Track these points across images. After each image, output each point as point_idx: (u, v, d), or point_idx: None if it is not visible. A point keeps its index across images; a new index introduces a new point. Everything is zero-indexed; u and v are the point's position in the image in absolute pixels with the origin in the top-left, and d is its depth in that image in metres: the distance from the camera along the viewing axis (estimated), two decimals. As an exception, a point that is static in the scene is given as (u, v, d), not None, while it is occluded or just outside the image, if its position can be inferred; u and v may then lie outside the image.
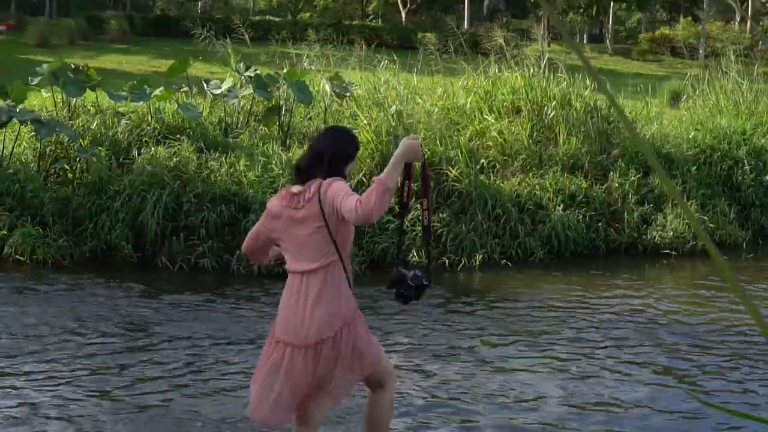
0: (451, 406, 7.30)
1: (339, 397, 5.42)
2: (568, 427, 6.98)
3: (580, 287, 11.59)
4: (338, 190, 5.07)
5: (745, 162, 15.99)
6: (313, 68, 16.15)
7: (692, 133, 16.41)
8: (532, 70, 16.08)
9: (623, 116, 1.28)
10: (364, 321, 5.38)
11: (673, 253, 13.57)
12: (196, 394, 7.41)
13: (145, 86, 13.89)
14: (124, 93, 14.02)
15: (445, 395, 7.55)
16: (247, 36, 16.16)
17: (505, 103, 15.40)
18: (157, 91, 13.80)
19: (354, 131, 6.45)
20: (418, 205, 5.73)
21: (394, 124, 13.84)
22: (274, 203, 5.38)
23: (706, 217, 14.40)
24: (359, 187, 10.75)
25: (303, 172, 5.29)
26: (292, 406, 5.26)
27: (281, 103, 14.31)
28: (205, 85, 14.85)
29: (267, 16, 54.60)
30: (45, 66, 13.77)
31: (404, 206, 5.57)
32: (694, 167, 15.39)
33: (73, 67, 14.25)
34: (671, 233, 13.77)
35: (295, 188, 5.26)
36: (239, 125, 14.27)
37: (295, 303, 5.19)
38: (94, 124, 13.54)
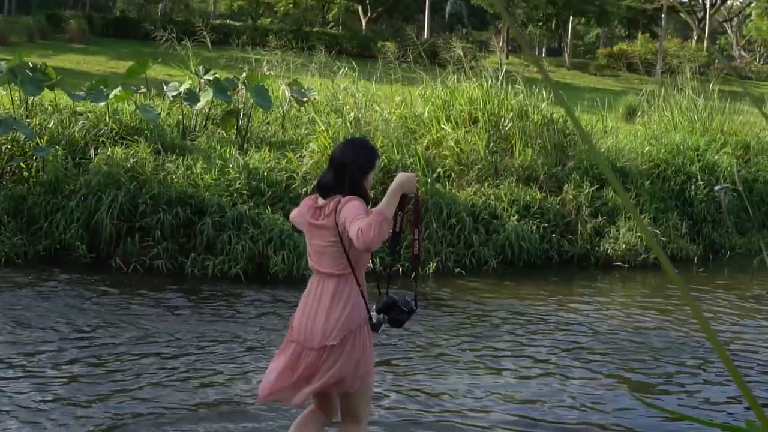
0: (398, 412, 7.38)
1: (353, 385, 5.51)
2: (513, 429, 7.08)
3: (532, 297, 11.71)
4: (349, 212, 5.22)
5: (698, 177, 16.22)
6: (272, 73, 16.19)
7: (647, 148, 16.63)
8: (489, 82, 16.21)
9: (580, 128, 1.33)
10: (371, 335, 5.50)
11: (625, 265, 13.74)
12: (140, 395, 7.41)
13: (103, 87, 13.86)
14: (82, 93, 13.98)
15: (395, 397, 7.63)
16: (208, 39, 16.16)
17: (462, 114, 15.51)
18: (115, 92, 13.77)
19: (370, 142, 6.47)
20: (410, 235, 5.84)
21: (351, 130, 13.93)
22: (296, 211, 5.64)
23: (658, 231, 14.58)
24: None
25: (325, 189, 5.47)
26: (304, 390, 5.45)
27: (240, 107, 14.33)
28: (164, 87, 14.83)
29: (227, 21, 54.55)
30: (3, 64, 13.69)
31: (397, 235, 5.65)
32: (648, 181, 15.60)
33: (31, 65, 14.19)
34: (623, 246, 13.93)
35: (321, 202, 5.47)
36: (197, 128, 14.28)
37: (311, 303, 5.41)
38: (51, 123, 13.49)
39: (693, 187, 16.05)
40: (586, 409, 7.62)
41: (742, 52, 63.66)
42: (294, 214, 5.66)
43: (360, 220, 5.12)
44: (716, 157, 17.22)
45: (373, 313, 5.48)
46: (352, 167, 5.45)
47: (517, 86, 16.30)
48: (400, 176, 5.39)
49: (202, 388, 7.60)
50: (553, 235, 13.75)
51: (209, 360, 8.35)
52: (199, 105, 14.12)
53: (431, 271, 12.29)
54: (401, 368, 8.49)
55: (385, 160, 13.17)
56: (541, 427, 7.21)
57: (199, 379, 7.82)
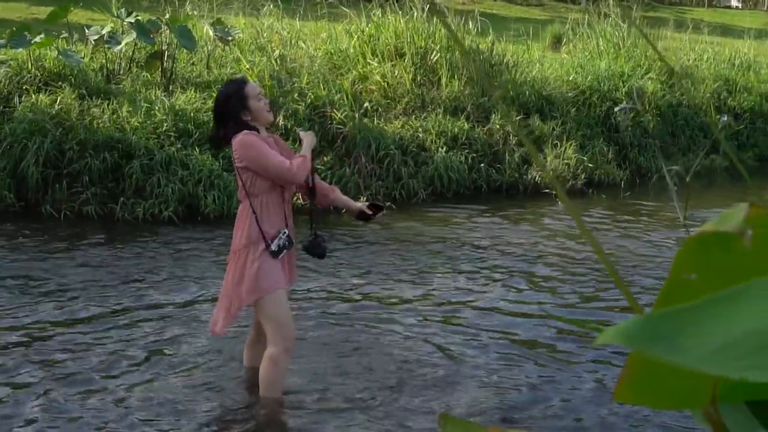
0: (328, 343, 7.51)
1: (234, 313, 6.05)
2: (439, 358, 7.25)
3: (462, 226, 11.87)
4: (252, 152, 5.89)
5: (624, 103, 16.43)
6: (195, 13, 16.05)
7: (572, 76, 16.80)
8: (416, 14, 16.22)
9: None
10: (264, 260, 5.90)
11: (553, 192, 13.94)
12: (83, 338, 7.46)
13: (25, 33, 13.65)
14: (2, 40, 13.76)
15: (325, 332, 7.76)
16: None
17: (388, 47, 15.52)
18: (37, 38, 13.55)
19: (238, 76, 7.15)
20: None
21: (277, 68, 13.91)
22: None
23: (585, 157, 14.79)
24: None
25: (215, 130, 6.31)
26: (227, 311, 6.02)
27: (164, 48, 14.21)
28: (86, 31, 14.64)
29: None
30: None
31: (311, 185, 6.12)
32: (574, 109, 15.78)
33: (-52, 13, 13.94)
34: (551, 173, 14.12)
35: None
36: (121, 71, 14.15)
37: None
38: (-28, 72, 13.29)
39: (633, 111, 16.27)
40: (509, 333, 7.84)
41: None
42: None
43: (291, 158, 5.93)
44: (641, 82, 17.43)
45: (274, 242, 5.90)
46: (223, 103, 5.98)
47: (445, 18, 16.31)
48: (307, 138, 6.12)
49: (139, 332, 7.68)
50: (482, 165, 13.90)
51: (143, 302, 8.42)
52: (122, 48, 13.98)
53: (361, 205, 12.38)
54: (333, 298, 8.62)
55: (312, 97, 13.19)
56: (472, 345, 7.41)
57: (135, 327, 7.89)
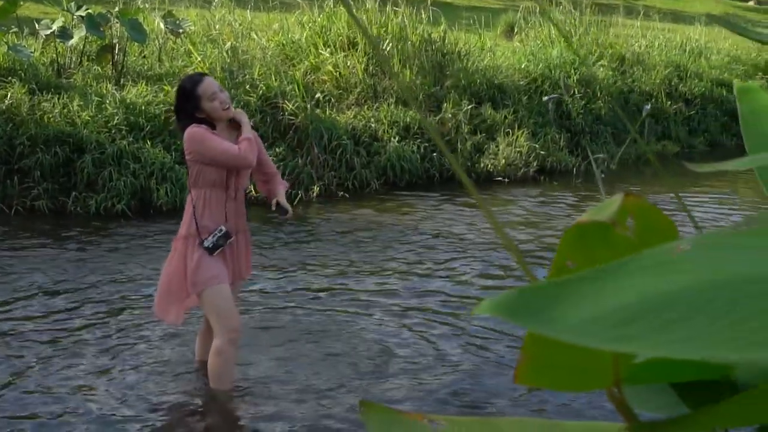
0: (277, 334, 7.58)
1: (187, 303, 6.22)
2: (396, 345, 7.33)
3: (415, 215, 11.94)
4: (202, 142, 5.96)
5: (575, 91, 16.59)
6: (146, 6, 16.00)
7: (524, 64, 16.90)
8: (368, 5, 16.25)
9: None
10: (203, 252, 5.98)
11: (506, 180, 14.06)
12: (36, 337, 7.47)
13: (-25, 28, 13.58)
14: (-49, 36, 13.68)
15: (277, 323, 7.82)
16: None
17: (340, 38, 15.55)
18: (-14, 34, 13.50)
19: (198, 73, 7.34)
20: None
21: (228, 60, 13.91)
22: None
23: (537, 145, 14.90)
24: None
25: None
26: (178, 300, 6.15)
27: (114, 42, 14.16)
28: (36, 25, 14.56)
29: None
30: None
31: None
32: (526, 97, 15.89)
33: None
34: (503, 161, 14.25)
35: None
36: (72, 65, 14.09)
37: None
38: None
39: (570, 100, 16.41)
40: (466, 319, 7.93)
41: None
42: None
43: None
44: (592, 70, 17.58)
45: (209, 238, 5.96)
46: (178, 99, 6.16)
47: (396, 8, 16.33)
48: (243, 117, 6.17)
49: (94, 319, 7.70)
50: (434, 154, 13.96)
51: (95, 295, 8.43)
52: (73, 42, 13.91)
53: (314, 195, 12.43)
54: (287, 282, 8.68)
55: (264, 88, 13.20)
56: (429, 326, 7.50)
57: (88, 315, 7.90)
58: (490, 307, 0.90)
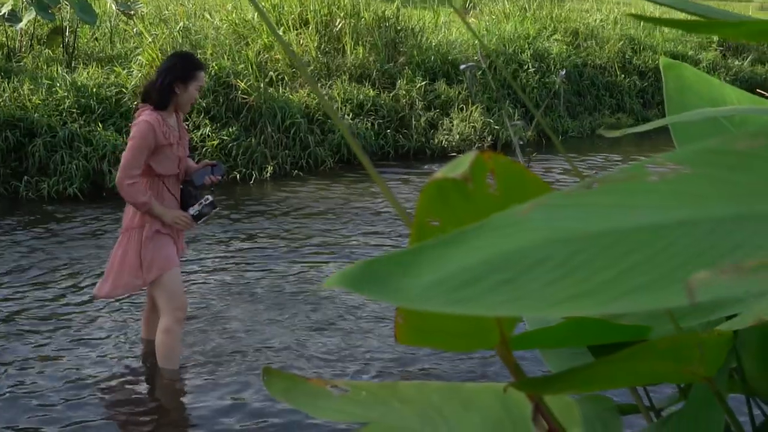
0: (230, 313, 7.61)
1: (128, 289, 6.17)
2: (350, 322, 7.38)
3: (370, 192, 11.94)
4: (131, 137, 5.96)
5: (530, 65, 16.66)
6: (97, -13, 15.89)
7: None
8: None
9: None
10: (157, 239, 6.00)
11: (460, 155, 14.06)
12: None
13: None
14: None
15: (228, 303, 7.85)
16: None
17: (292, 16, 15.51)
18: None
19: (196, 56, 7.23)
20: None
21: (180, 41, 13.84)
22: None
23: (491, 120, 14.95)
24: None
25: (142, 95, 6.14)
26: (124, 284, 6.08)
27: (65, 24, 14.06)
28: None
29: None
30: None
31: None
32: (480, 72, 15.91)
33: None
34: (458, 137, 14.29)
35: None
36: (23, 49, 13.99)
37: None
38: None
39: (524, 74, 16.47)
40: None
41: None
42: None
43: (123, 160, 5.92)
44: (547, 44, 17.65)
45: (195, 206, 6.04)
46: (164, 74, 5.74)
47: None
48: (168, 215, 6.02)
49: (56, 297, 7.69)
50: (388, 131, 13.98)
51: (47, 277, 8.41)
52: (22, 25, 13.80)
53: (268, 174, 12.41)
54: (250, 253, 8.70)
55: (216, 68, 13.14)
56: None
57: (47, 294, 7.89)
58: (337, 278, 0.93)
